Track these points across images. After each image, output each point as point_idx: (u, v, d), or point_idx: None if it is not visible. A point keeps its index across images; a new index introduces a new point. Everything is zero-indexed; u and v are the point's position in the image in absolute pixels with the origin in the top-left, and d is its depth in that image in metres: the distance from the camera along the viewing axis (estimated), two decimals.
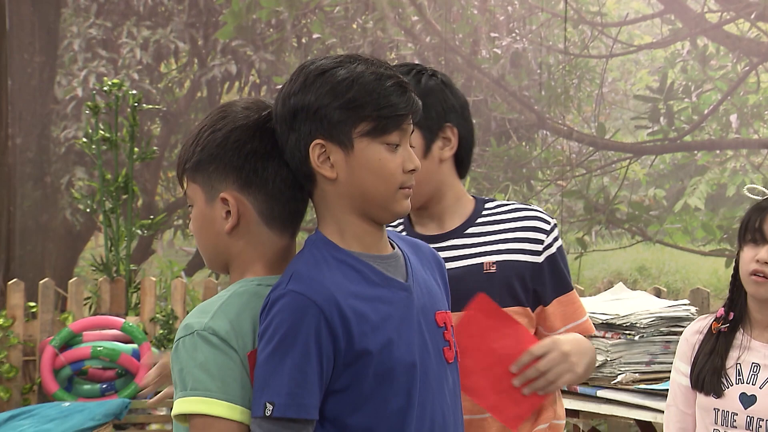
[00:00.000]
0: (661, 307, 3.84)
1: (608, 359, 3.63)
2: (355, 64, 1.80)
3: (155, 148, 6.88)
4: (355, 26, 7.88)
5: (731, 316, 2.69)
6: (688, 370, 2.73)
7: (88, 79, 8.43)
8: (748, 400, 2.62)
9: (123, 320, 5.49)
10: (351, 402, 1.75)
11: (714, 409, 2.67)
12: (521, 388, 2.02)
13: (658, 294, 4.92)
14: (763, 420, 2.60)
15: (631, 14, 7.12)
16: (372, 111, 1.77)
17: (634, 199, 7.10)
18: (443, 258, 2.07)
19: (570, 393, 3.63)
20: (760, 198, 2.75)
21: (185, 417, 1.75)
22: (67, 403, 4.95)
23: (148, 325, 6.19)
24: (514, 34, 7.39)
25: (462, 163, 2.28)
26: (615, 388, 3.61)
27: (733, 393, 2.65)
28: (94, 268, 6.41)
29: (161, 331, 6.12)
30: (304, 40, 8.08)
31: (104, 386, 5.24)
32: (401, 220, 2.29)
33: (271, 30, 8.13)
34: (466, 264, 2.17)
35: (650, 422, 3.64)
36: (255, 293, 1.80)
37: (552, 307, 2.23)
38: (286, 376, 1.70)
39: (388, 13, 7.69)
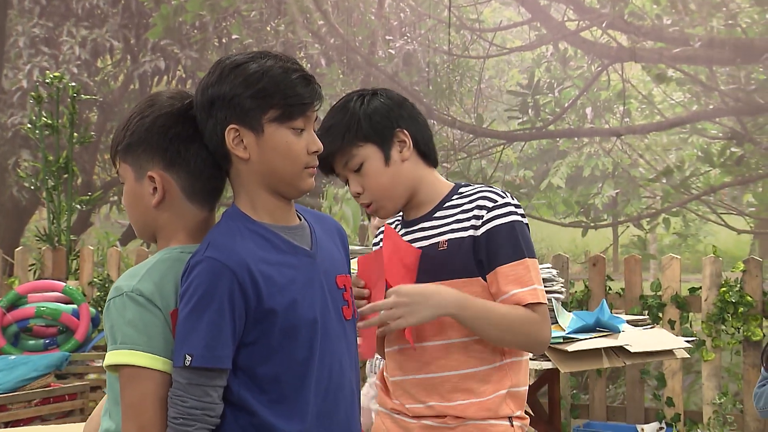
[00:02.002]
0: None
1: None
2: (266, 59, 1.77)
3: (92, 133, 6.79)
4: (269, 29, 7.80)
5: None
6: None
7: (32, 73, 8.23)
8: None
9: (64, 284, 5.38)
10: (260, 354, 1.73)
11: None
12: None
13: None
14: None
15: (504, 21, 7.18)
16: (280, 99, 1.74)
17: (507, 179, 7.18)
18: (414, 239, 2.12)
19: None
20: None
21: (116, 367, 1.72)
22: (13, 357, 4.83)
23: (86, 288, 6.09)
24: (406, 37, 7.40)
25: (426, 154, 2.18)
26: None
27: None
28: (38, 239, 6.30)
29: (98, 293, 6.04)
30: (224, 40, 7.97)
31: (47, 341, 5.12)
32: (399, 215, 2.23)
33: (196, 31, 8.01)
34: (426, 244, 2.09)
35: None
36: (178, 259, 1.77)
37: (490, 277, 2.07)
38: (203, 331, 1.68)
39: (298, 17, 7.62)
